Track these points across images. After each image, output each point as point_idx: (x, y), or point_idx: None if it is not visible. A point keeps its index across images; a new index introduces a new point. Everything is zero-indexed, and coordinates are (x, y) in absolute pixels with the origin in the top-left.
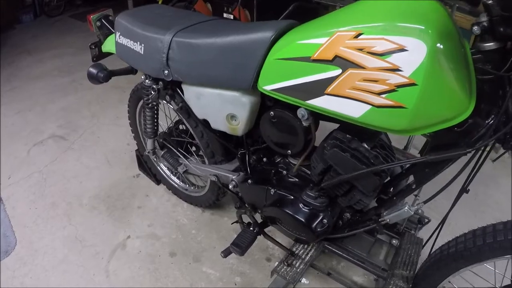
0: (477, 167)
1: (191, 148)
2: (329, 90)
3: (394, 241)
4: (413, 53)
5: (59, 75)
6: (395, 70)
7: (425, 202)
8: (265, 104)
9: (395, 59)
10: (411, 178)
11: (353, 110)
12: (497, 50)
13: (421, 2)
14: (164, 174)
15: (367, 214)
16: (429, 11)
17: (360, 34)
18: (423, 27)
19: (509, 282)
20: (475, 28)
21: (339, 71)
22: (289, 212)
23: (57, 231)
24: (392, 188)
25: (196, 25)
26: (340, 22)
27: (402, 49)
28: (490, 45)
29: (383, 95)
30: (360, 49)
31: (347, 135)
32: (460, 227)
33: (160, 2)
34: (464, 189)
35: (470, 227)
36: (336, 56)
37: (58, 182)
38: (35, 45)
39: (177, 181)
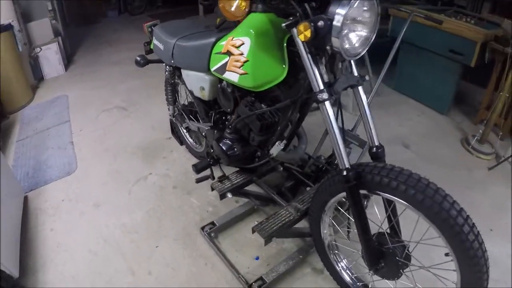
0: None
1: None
2: (227, 68)
3: (308, 188)
4: (246, 45)
5: (130, 64)
6: (242, 54)
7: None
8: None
9: (241, 48)
10: None
11: (235, 78)
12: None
13: (251, 19)
14: (186, 138)
15: (264, 151)
16: (256, 22)
17: (233, 37)
18: (249, 30)
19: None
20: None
21: (228, 58)
22: (216, 141)
23: (105, 165)
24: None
25: (192, 34)
26: (234, 30)
27: (243, 43)
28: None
29: (241, 68)
30: (232, 45)
31: (252, 98)
32: None
33: None
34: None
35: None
36: (227, 50)
37: (114, 137)
38: (115, 37)
39: (192, 141)
